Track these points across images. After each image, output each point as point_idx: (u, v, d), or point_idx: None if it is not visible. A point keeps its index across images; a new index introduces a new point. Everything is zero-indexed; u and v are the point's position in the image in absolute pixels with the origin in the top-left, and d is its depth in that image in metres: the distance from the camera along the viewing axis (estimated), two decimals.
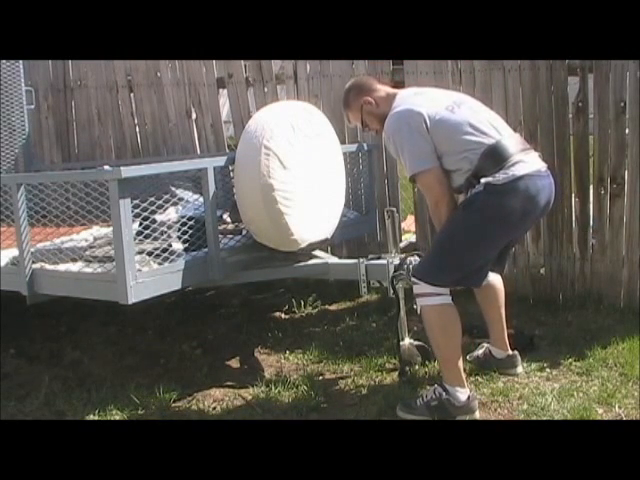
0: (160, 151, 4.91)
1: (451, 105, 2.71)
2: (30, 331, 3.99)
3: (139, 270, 2.77)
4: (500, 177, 2.57)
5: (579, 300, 3.81)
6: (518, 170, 2.59)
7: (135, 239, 2.82)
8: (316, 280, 4.04)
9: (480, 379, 3.01)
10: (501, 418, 2.71)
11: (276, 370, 3.34)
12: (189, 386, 3.18)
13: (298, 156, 3.12)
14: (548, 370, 3.08)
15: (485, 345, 3.14)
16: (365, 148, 4.00)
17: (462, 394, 2.67)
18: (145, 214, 2.89)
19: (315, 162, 3.26)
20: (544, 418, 2.65)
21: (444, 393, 2.68)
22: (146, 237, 2.98)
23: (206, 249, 3.07)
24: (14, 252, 3.15)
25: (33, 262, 3.04)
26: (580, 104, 3.71)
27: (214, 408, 2.99)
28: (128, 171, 2.68)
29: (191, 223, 3.10)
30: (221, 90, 4.68)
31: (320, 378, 3.18)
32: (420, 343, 3.16)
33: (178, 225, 3.12)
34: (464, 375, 2.72)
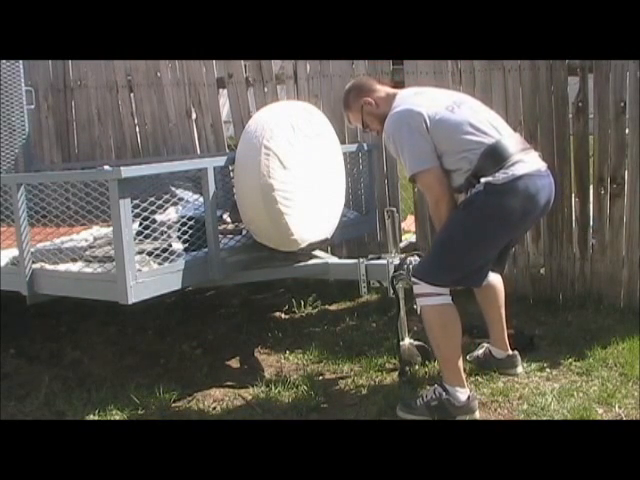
0: (160, 151, 4.91)
1: (451, 105, 2.71)
2: (30, 331, 3.99)
3: (139, 270, 2.77)
4: (500, 177, 2.57)
5: (579, 300, 3.81)
6: (518, 170, 2.59)
7: (135, 239, 2.82)
8: (316, 280, 4.04)
9: (480, 379, 3.01)
10: (501, 418, 2.71)
11: (276, 370, 3.34)
12: (189, 386, 3.18)
13: (298, 156, 3.12)
14: (548, 370, 3.08)
15: (485, 345, 3.14)
16: (365, 148, 4.00)
17: (462, 394, 2.67)
18: (145, 214, 2.88)
19: (315, 162, 3.26)
20: (544, 418, 2.65)
21: (444, 393, 2.68)
22: (146, 237, 2.98)
23: (206, 249, 3.07)
24: (14, 252, 3.15)
25: (33, 262, 3.04)
26: (580, 104, 3.71)
27: (214, 408, 2.99)
28: (128, 171, 2.68)
29: (191, 223, 3.10)
30: (221, 90, 4.68)
31: (320, 378, 3.18)
32: (420, 343, 3.16)
33: (178, 225, 3.12)
34: (464, 375, 2.72)
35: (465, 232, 2.65)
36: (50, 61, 5.14)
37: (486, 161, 2.60)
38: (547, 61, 3.70)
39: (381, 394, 2.93)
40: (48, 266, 3.05)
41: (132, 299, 2.74)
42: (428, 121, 2.65)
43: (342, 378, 3.18)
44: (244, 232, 3.30)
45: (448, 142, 2.66)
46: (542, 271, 3.95)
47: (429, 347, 3.01)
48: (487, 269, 2.80)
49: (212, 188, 3.01)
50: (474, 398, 2.72)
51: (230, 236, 3.28)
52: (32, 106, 4.77)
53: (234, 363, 3.50)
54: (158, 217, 3.08)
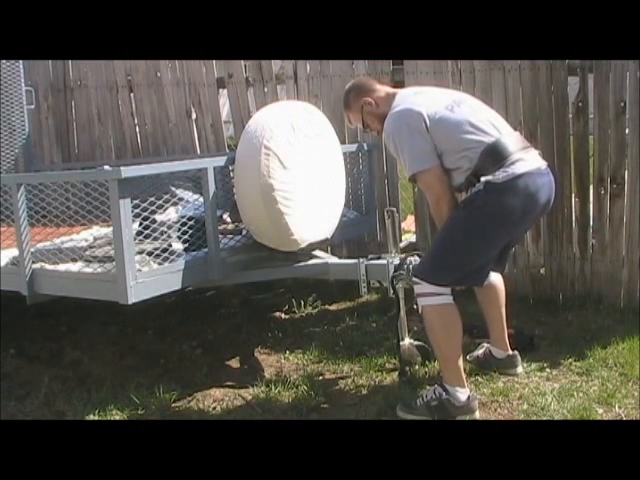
0: (160, 151, 4.91)
1: (451, 104, 2.71)
2: (30, 331, 4.00)
3: (139, 270, 2.77)
4: (500, 175, 2.57)
5: (579, 300, 3.81)
6: (518, 168, 2.59)
7: (135, 239, 2.82)
8: (316, 280, 4.04)
9: (480, 379, 3.01)
10: (501, 418, 2.71)
11: (276, 370, 3.34)
12: (189, 386, 3.18)
13: (298, 156, 3.12)
14: (548, 370, 3.08)
15: (485, 345, 3.14)
16: (365, 148, 4.00)
17: (462, 394, 2.67)
18: (145, 214, 2.89)
19: (315, 162, 3.26)
20: (544, 418, 2.65)
21: (444, 393, 2.68)
22: (146, 237, 2.98)
23: (206, 249, 3.07)
24: (14, 252, 3.15)
25: (33, 262, 3.04)
26: (580, 104, 3.71)
27: (214, 408, 2.99)
28: (128, 171, 2.68)
29: (191, 223, 3.10)
30: (221, 90, 4.68)
31: (320, 378, 3.18)
32: (420, 343, 3.16)
33: (178, 225, 3.12)
34: (464, 375, 2.72)
35: (466, 231, 2.65)
36: (50, 61, 5.14)
37: (486, 160, 2.60)
38: (547, 61, 3.70)
39: (381, 394, 2.93)
40: (48, 266, 3.05)
41: (132, 299, 2.74)
42: (428, 120, 2.65)
43: (342, 378, 3.18)
44: (244, 232, 3.30)
45: (448, 141, 2.66)
46: (542, 271, 3.95)
47: (429, 347, 3.01)
48: (488, 268, 2.80)
49: (212, 188, 3.01)
50: (474, 398, 2.72)
51: (230, 236, 3.28)
52: (32, 106, 4.77)
53: (234, 363, 3.50)
54: (158, 217, 3.08)
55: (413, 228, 4.42)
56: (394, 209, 3.19)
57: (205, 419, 2.87)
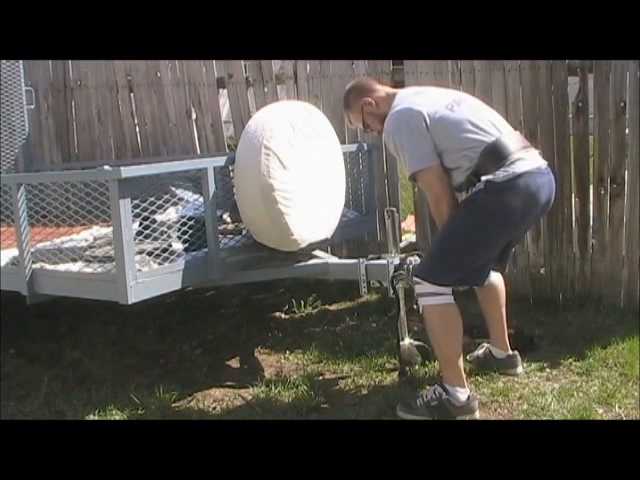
0: (160, 151, 4.91)
1: (451, 104, 2.71)
2: (30, 331, 4.00)
3: (139, 270, 2.77)
4: (500, 175, 2.57)
5: (579, 300, 3.81)
6: (518, 168, 2.59)
7: (135, 239, 2.82)
8: (316, 280, 4.04)
9: (480, 379, 3.01)
10: (501, 418, 2.71)
11: (276, 370, 3.34)
12: (189, 386, 3.18)
13: (298, 156, 3.12)
14: (548, 370, 3.08)
15: (485, 345, 3.14)
16: (365, 148, 4.00)
17: (462, 394, 2.67)
18: (145, 214, 2.89)
19: (315, 162, 3.26)
20: (544, 418, 2.65)
21: (444, 393, 2.68)
22: (146, 237, 2.98)
23: (206, 249, 3.07)
24: (14, 252, 3.15)
25: (33, 262, 3.04)
26: (580, 104, 3.71)
27: (214, 408, 2.99)
28: (128, 171, 2.68)
29: (191, 223, 3.10)
30: (221, 90, 4.68)
31: (320, 378, 3.18)
32: (420, 343, 3.16)
33: (178, 225, 3.12)
34: (464, 375, 2.72)
35: (466, 231, 2.65)
36: (50, 61, 5.14)
37: (486, 159, 2.60)
38: (547, 61, 3.70)
39: (381, 394, 2.93)
40: (48, 266, 3.05)
41: (132, 299, 2.74)
42: (428, 120, 2.65)
43: (342, 378, 3.18)
44: (244, 232, 3.30)
45: (448, 140, 2.66)
46: (542, 271, 3.95)
47: (429, 347, 3.01)
48: (489, 268, 2.80)
49: (212, 188, 3.01)
50: (474, 398, 2.72)
51: (230, 236, 3.28)
52: (32, 106, 4.77)
53: (234, 363, 3.50)
54: (158, 217, 3.08)
55: (413, 228, 4.42)
56: (394, 209, 3.19)
57: (205, 419, 2.87)
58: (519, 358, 3.06)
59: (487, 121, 2.69)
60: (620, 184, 3.66)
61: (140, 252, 2.86)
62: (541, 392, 2.86)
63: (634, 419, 2.61)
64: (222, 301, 4.34)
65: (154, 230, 3.00)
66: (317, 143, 3.29)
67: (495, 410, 2.77)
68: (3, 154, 4.62)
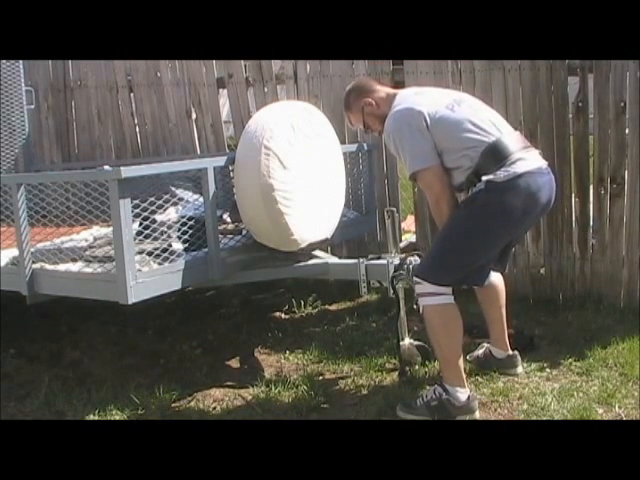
0: (160, 151, 4.91)
1: (451, 103, 2.71)
2: (30, 331, 3.99)
3: (139, 270, 2.77)
4: (501, 175, 2.57)
5: (579, 300, 3.81)
6: (519, 168, 2.59)
7: (135, 239, 2.82)
8: (316, 280, 4.04)
9: (480, 379, 3.01)
10: (501, 418, 2.71)
11: (276, 370, 3.34)
12: (189, 386, 3.18)
13: (298, 156, 3.12)
14: (548, 370, 3.08)
15: (485, 345, 3.14)
16: (365, 148, 4.00)
17: (462, 394, 2.67)
18: (145, 214, 2.89)
19: (315, 162, 3.26)
20: (544, 418, 2.65)
21: (444, 393, 2.68)
22: (146, 237, 2.98)
23: (206, 249, 3.07)
24: (14, 252, 3.15)
25: (33, 262, 3.04)
26: (580, 104, 3.71)
27: (214, 408, 2.99)
28: (128, 171, 2.68)
29: (191, 223, 3.10)
30: (221, 90, 4.68)
31: (320, 378, 3.18)
32: (420, 343, 3.16)
33: (178, 225, 3.12)
34: (464, 375, 2.72)
35: (466, 231, 2.65)
36: (50, 61, 5.14)
37: (487, 159, 2.60)
38: (547, 61, 3.70)
39: (381, 394, 2.93)
40: (48, 266, 3.05)
41: (132, 299, 2.74)
42: (428, 119, 2.65)
43: (342, 378, 3.18)
44: (244, 232, 3.30)
45: (449, 140, 2.66)
46: (542, 271, 3.95)
47: (429, 347, 3.01)
48: (489, 268, 2.81)
49: (212, 188, 3.01)
50: (474, 398, 2.72)
51: (230, 236, 3.28)
52: (32, 106, 4.77)
53: (234, 363, 3.50)
54: (158, 217, 3.08)
55: (413, 228, 4.42)
56: (394, 209, 3.19)
57: (205, 419, 2.87)
58: (519, 358, 3.06)
59: (487, 121, 2.69)
60: (620, 184, 3.66)
61: (140, 252, 2.86)
62: (541, 392, 2.86)
63: (634, 419, 2.61)
64: (222, 301, 4.34)
65: (154, 230, 3.00)
66: (317, 143, 3.29)
67: (495, 410, 2.77)
68: (3, 154, 4.62)
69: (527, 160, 2.63)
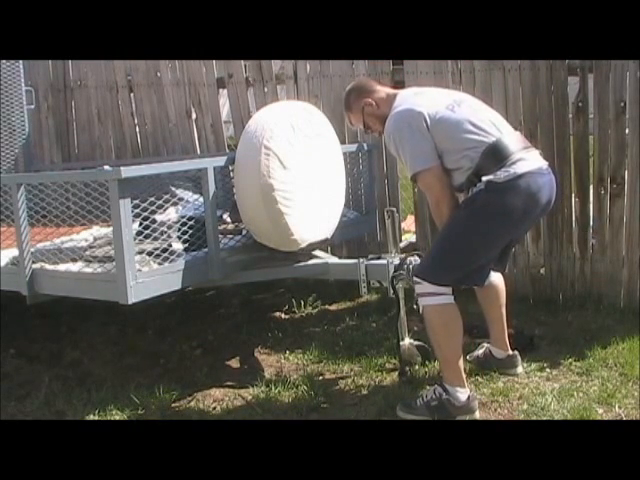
0: (160, 151, 4.91)
1: (451, 104, 2.71)
2: (30, 331, 4.00)
3: (139, 270, 2.77)
4: (501, 175, 2.57)
5: (579, 300, 3.81)
6: (519, 168, 2.59)
7: (135, 239, 2.82)
8: (316, 280, 4.04)
9: (480, 379, 3.01)
10: (501, 418, 2.71)
11: (276, 370, 3.34)
12: (189, 386, 3.18)
13: (298, 156, 3.12)
14: (548, 370, 3.08)
15: (485, 345, 3.14)
16: (365, 148, 4.00)
17: (462, 394, 2.67)
18: (145, 214, 2.88)
19: (315, 162, 3.26)
20: (544, 418, 2.65)
21: (444, 393, 2.68)
22: (146, 237, 2.98)
23: (206, 249, 3.07)
24: (14, 252, 3.15)
25: (33, 262, 3.04)
26: (580, 104, 3.71)
27: (214, 408, 2.99)
28: (128, 171, 2.68)
29: (191, 223, 3.10)
30: (221, 90, 4.68)
31: (320, 378, 3.18)
32: (420, 343, 3.16)
33: (178, 225, 3.12)
34: (464, 375, 2.72)
35: (467, 231, 2.65)
36: (50, 61, 5.14)
37: (487, 159, 2.60)
38: (547, 61, 3.70)
39: (381, 394, 2.93)
40: (48, 266, 3.05)
41: (132, 299, 2.74)
42: (429, 120, 2.65)
43: (342, 378, 3.18)
44: (244, 232, 3.30)
45: (449, 141, 2.66)
46: (542, 271, 3.95)
47: (429, 347, 3.01)
48: (489, 268, 2.81)
49: (212, 188, 3.01)
50: (474, 398, 2.72)
51: (230, 236, 3.28)
52: (32, 106, 4.77)
53: (234, 363, 3.50)
54: (158, 217, 3.08)
55: (413, 228, 4.42)
56: (394, 209, 3.19)
57: (205, 419, 2.87)
58: (519, 358, 3.06)
59: (488, 121, 2.69)
60: (620, 184, 3.66)
61: (140, 252, 2.86)
62: (541, 392, 2.86)
63: (634, 419, 2.61)
64: (222, 301, 4.34)
65: (154, 230, 3.00)
66: (317, 143, 3.29)
67: (495, 410, 2.77)
68: (3, 154, 4.62)
69: (527, 160, 2.63)
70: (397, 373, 3.12)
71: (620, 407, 2.70)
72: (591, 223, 3.81)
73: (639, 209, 3.62)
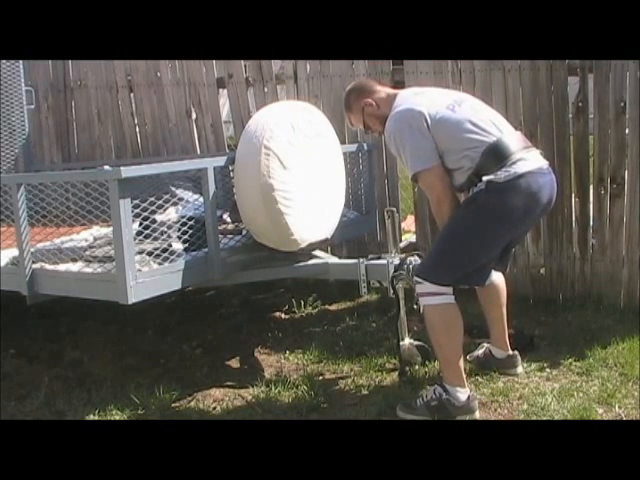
0: (160, 151, 4.91)
1: (452, 104, 2.71)
2: (30, 331, 3.99)
3: (139, 270, 2.77)
4: (502, 175, 2.57)
5: (579, 300, 3.81)
6: (520, 168, 2.59)
7: (135, 239, 2.82)
8: (316, 280, 4.04)
9: (480, 379, 3.01)
10: (501, 418, 2.71)
11: (276, 370, 3.34)
12: (189, 386, 3.18)
13: (298, 156, 3.12)
14: (548, 370, 3.08)
15: (485, 345, 3.14)
16: (365, 148, 4.00)
17: (462, 394, 2.67)
18: (145, 214, 2.88)
19: (315, 162, 3.26)
20: (544, 418, 2.65)
21: (444, 393, 2.68)
22: (146, 237, 2.98)
23: (206, 249, 3.07)
24: (14, 252, 3.15)
25: (33, 262, 3.04)
26: (580, 104, 3.71)
27: (214, 408, 2.99)
28: (128, 171, 2.68)
29: (191, 223, 3.10)
30: (221, 90, 4.68)
31: (320, 378, 3.18)
32: (420, 343, 3.16)
33: (178, 225, 3.12)
34: (464, 375, 2.72)
35: (467, 231, 2.65)
36: (50, 61, 5.14)
37: (488, 159, 2.60)
38: (547, 61, 3.70)
39: (381, 394, 2.93)
40: (48, 266, 3.05)
41: (132, 299, 2.74)
42: (429, 120, 2.65)
43: (342, 378, 3.18)
44: (244, 232, 3.30)
45: (449, 141, 2.66)
46: (542, 271, 3.95)
47: (429, 347, 3.01)
48: (490, 268, 2.80)
49: (212, 188, 3.01)
50: (474, 398, 2.72)
51: (230, 236, 3.28)
52: (32, 106, 4.77)
53: (234, 363, 3.50)
54: (158, 217, 3.08)
55: (413, 228, 4.42)
56: (394, 209, 3.19)
57: (205, 419, 2.87)
58: (519, 358, 3.06)
59: (488, 121, 2.69)
60: (620, 184, 3.66)
61: (140, 252, 2.86)
62: (541, 392, 2.86)
63: (634, 419, 2.61)
64: (222, 301, 4.34)
65: (154, 230, 3.00)
66: (317, 143, 3.29)
67: (495, 410, 2.77)
68: (3, 154, 4.62)
69: (528, 160, 2.63)
70: (397, 373, 3.12)
71: (620, 407, 2.70)
72: (591, 223, 3.81)
73: (639, 209, 3.63)
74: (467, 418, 2.65)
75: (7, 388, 3.29)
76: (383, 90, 2.95)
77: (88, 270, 2.93)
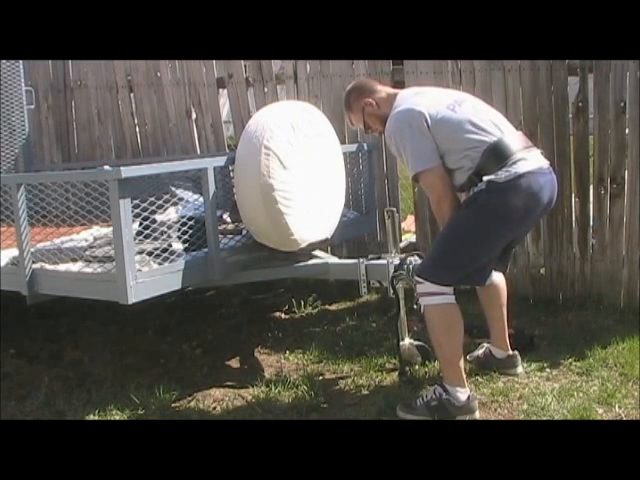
0: (160, 151, 4.91)
1: (452, 104, 2.71)
2: (30, 331, 3.99)
3: (139, 270, 2.77)
4: (502, 175, 2.57)
5: (579, 300, 3.81)
6: (520, 168, 2.59)
7: (135, 239, 2.82)
8: (316, 280, 4.04)
9: (480, 379, 3.01)
10: (501, 418, 2.71)
11: (276, 370, 3.34)
12: (189, 386, 3.18)
13: (298, 156, 3.12)
14: (548, 370, 3.08)
15: (485, 345, 3.14)
16: (365, 148, 4.00)
17: (462, 394, 2.67)
18: (145, 214, 2.88)
19: (315, 162, 3.26)
20: (544, 418, 2.65)
21: (444, 393, 2.67)
22: (146, 237, 2.98)
23: (206, 249, 3.07)
24: (14, 252, 3.15)
25: (33, 262, 3.04)
26: (580, 104, 3.71)
27: (214, 408, 2.99)
28: (128, 171, 2.68)
29: (191, 223, 3.10)
30: (221, 90, 4.68)
31: (320, 378, 3.18)
32: (420, 343, 3.16)
33: (178, 225, 3.12)
34: (464, 375, 2.72)
35: (468, 231, 2.65)
36: (50, 61, 5.14)
37: (488, 159, 2.60)
38: (547, 61, 3.70)
39: (381, 394, 2.93)
40: (48, 266, 3.05)
41: (132, 299, 2.74)
42: (429, 120, 2.65)
43: (342, 378, 3.18)
44: (244, 232, 3.30)
45: (450, 141, 2.66)
46: (542, 271, 3.95)
47: (429, 347, 3.01)
48: (490, 268, 2.80)
49: (212, 188, 3.01)
50: (474, 398, 2.72)
51: (230, 236, 3.28)
52: (32, 106, 4.77)
53: (234, 363, 3.50)
54: (158, 217, 3.08)
55: (413, 228, 4.42)
56: (394, 209, 3.19)
57: (205, 419, 2.87)
58: (519, 358, 3.06)
59: (488, 121, 2.69)
60: (620, 184, 3.66)
61: (140, 252, 2.86)
62: (541, 392, 2.86)
63: (634, 419, 2.61)
64: (222, 301, 4.34)
65: (154, 230, 3.00)
66: (317, 143, 3.29)
67: (495, 410, 2.77)
68: (3, 154, 4.62)
69: (528, 160, 2.63)
70: (397, 373, 3.12)
71: (620, 407, 2.70)
72: (591, 223, 3.81)
73: (639, 209, 3.62)
74: (467, 418, 2.65)
75: (7, 388, 3.29)
76: (383, 90, 2.95)
77: (88, 270, 2.94)
